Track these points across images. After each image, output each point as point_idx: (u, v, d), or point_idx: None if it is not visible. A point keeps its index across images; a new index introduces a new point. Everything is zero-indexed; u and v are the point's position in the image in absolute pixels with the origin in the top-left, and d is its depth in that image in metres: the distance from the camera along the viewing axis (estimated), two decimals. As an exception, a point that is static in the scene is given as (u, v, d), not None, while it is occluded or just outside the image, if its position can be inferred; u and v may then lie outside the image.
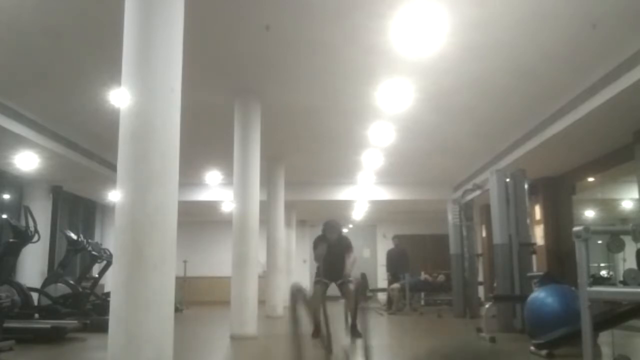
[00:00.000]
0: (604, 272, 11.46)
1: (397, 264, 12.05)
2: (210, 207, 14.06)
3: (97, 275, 9.45)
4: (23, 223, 7.30)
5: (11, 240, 7.05)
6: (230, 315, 6.91)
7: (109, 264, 8.87)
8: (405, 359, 5.60)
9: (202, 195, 13.02)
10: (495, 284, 8.56)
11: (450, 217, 10.30)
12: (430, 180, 12.65)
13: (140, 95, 3.77)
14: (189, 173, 11.21)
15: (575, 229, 3.85)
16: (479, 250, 12.31)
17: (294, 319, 2.44)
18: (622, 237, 3.99)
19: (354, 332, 6.43)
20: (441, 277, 11.34)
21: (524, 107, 7.50)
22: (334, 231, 6.85)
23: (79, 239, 8.68)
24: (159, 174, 3.71)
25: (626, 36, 5.36)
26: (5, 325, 5.61)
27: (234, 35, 5.50)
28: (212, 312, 11.92)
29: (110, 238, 6.91)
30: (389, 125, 8.44)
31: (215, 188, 12.81)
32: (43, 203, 10.74)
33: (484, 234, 13.60)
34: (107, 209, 13.63)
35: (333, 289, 6.91)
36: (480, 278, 11.60)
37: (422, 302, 12.16)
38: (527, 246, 7.39)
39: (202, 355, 5.88)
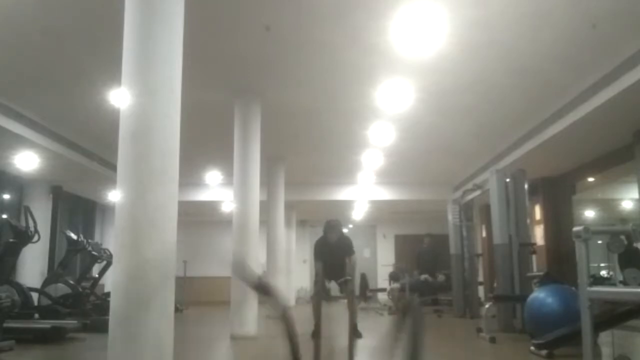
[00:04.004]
0: (604, 272, 11.48)
1: (429, 264, 11.33)
2: (210, 207, 14.07)
3: (97, 275, 9.46)
4: (23, 223, 7.30)
5: (11, 240, 7.05)
6: (230, 315, 6.92)
7: (109, 264, 8.87)
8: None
9: (202, 195, 13.01)
10: (495, 284, 8.56)
11: (450, 217, 10.30)
12: (430, 180, 12.65)
13: (140, 95, 3.77)
14: (189, 173, 11.20)
15: (575, 229, 3.85)
16: (479, 250, 12.30)
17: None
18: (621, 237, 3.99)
19: (354, 333, 6.44)
20: (441, 277, 11.33)
21: (524, 107, 7.50)
22: (334, 231, 6.85)
23: (79, 239, 8.68)
24: (159, 174, 3.71)
25: (626, 36, 5.37)
26: (5, 325, 5.61)
27: (234, 35, 5.50)
28: (212, 312, 11.92)
29: (110, 238, 6.91)
30: (389, 125, 8.44)
31: (215, 188, 12.80)
32: (43, 203, 10.74)
33: (484, 234, 13.60)
34: (107, 209, 13.64)
35: (333, 290, 6.93)
36: (480, 278, 11.60)
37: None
38: (527, 246, 7.39)
39: (202, 355, 5.88)
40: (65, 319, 7.18)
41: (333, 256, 6.71)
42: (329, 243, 6.77)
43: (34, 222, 7.14)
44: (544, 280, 6.16)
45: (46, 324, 6.58)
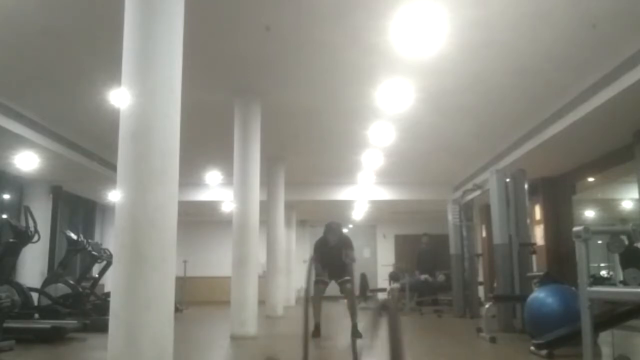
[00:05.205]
0: (604, 272, 11.48)
1: (428, 264, 11.59)
2: (210, 207, 14.07)
3: (97, 275, 9.45)
4: (23, 223, 7.30)
5: (11, 240, 7.04)
6: (230, 315, 6.92)
7: (109, 264, 8.86)
8: None
9: (202, 195, 13.02)
10: (495, 284, 8.56)
11: (450, 217, 10.29)
12: (430, 180, 12.65)
13: (140, 95, 3.77)
14: (189, 173, 11.21)
15: (575, 229, 3.85)
16: (479, 250, 12.30)
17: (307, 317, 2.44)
18: (622, 237, 3.99)
19: (354, 332, 6.45)
20: (441, 277, 11.34)
21: (524, 107, 7.50)
22: (334, 233, 6.88)
23: (79, 239, 8.67)
24: (159, 174, 3.72)
25: (626, 36, 5.37)
26: (5, 325, 5.60)
27: (234, 35, 5.50)
28: (212, 312, 11.92)
29: (110, 238, 6.91)
30: (389, 125, 8.44)
31: (215, 188, 12.81)
32: (43, 203, 10.74)
33: (484, 234, 13.60)
34: (107, 209, 13.64)
35: (333, 290, 6.94)
36: (480, 278, 11.60)
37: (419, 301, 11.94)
38: (527, 246, 7.39)
39: (202, 355, 5.88)
40: (65, 319, 7.18)
41: (333, 256, 6.73)
42: (329, 244, 6.81)
43: (34, 222, 7.13)
44: (544, 280, 6.16)
45: (46, 324, 6.57)
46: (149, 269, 3.57)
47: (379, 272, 16.46)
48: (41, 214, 9.55)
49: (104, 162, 9.90)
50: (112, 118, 4.83)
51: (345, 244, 6.83)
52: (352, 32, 5.41)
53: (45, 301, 7.84)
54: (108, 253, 9.05)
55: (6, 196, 10.57)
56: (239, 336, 6.69)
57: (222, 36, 5.51)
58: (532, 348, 5.19)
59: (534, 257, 7.67)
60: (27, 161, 9.04)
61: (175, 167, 3.86)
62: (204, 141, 9.23)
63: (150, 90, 3.78)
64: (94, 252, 9.00)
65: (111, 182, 8.65)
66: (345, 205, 14.40)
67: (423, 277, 11.43)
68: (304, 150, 10.19)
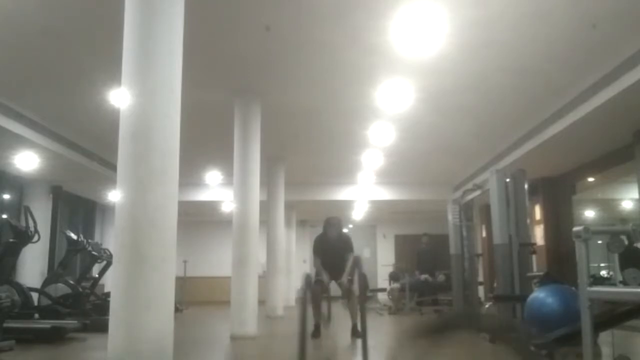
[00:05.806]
0: (604, 272, 11.47)
1: (428, 264, 11.59)
2: (210, 207, 14.07)
3: (97, 275, 9.45)
4: (23, 223, 7.30)
5: (11, 240, 7.04)
6: (230, 315, 6.92)
7: (109, 264, 8.86)
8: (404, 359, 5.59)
9: (202, 195, 13.02)
10: (495, 284, 8.56)
11: (450, 217, 10.29)
12: (430, 180, 12.65)
13: (140, 95, 3.77)
14: (189, 173, 11.20)
15: (575, 229, 3.85)
16: (479, 250, 12.30)
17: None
18: (622, 237, 3.99)
19: (355, 332, 6.44)
20: (441, 277, 11.33)
21: (524, 107, 7.50)
22: (334, 229, 6.84)
23: (79, 239, 8.67)
24: (159, 174, 3.72)
25: (626, 36, 5.37)
26: (5, 325, 5.60)
27: (234, 35, 5.50)
28: (212, 312, 11.92)
29: (110, 238, 6.91)
30: (389, 125, 8.44)
31: (215, 188, 12.81)
32: (43, 203, 10.74)
33: (484, 234, 13.60)
34: (107, 209, 13.64)
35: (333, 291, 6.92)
36: (480, 278, 11.60)
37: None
38: (527, 246, 7.38)
39: (202, 355, 5.88)
40: (65, 319, 7.18)
41: (332, 254, 6.70)
42: (329, 240, 6.76)
43: (34, 222, 7.13)
44: (544, 280, 6.15)
45: (46, 324, 6.57)
46: (149, 269, 3.57)
47: (379, 272, 16.45)
48: (41, 214, 9.55)
49: (104, 162, 9.89)
50: (112, 118, 4.83)
51: (345, 247, 6.77)
52: (352, 32, 5.41)
53: (45, 301, 7.84)
54: (108, 253, 9.05)
55: (6, 196, 10.57)
56: (239, 336, 6.69)
57: (222, 36, 5.51)
58: (532, 348, 5.19)
59: (534, 257, 7.66)
60: (27, 161, 9.04)
61: (175, 167, 3.86)
62: (204, 141, 9.23)
63: (150, 90, 3.78)
64: (94, 252, 9.01)
65: (111, 182, 8.65)
66: (345, 205, 14.40)
67: (423, 277, 11.40)
68: (304, 150, 10.19)
